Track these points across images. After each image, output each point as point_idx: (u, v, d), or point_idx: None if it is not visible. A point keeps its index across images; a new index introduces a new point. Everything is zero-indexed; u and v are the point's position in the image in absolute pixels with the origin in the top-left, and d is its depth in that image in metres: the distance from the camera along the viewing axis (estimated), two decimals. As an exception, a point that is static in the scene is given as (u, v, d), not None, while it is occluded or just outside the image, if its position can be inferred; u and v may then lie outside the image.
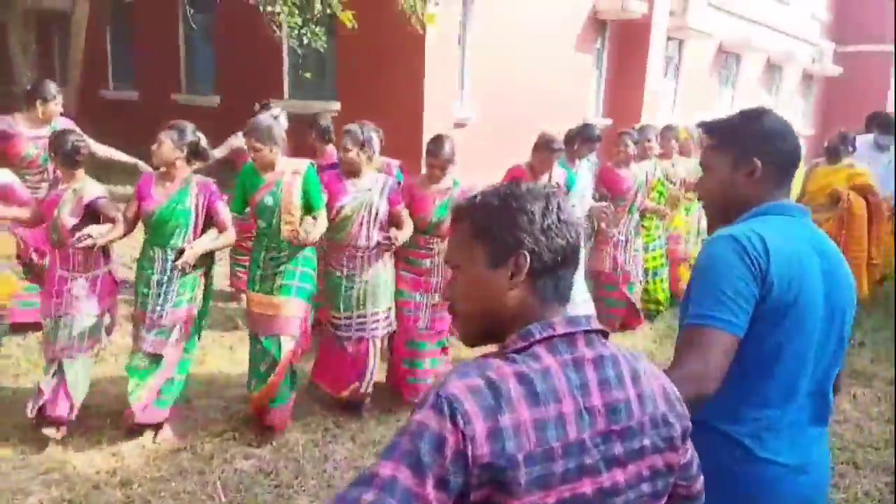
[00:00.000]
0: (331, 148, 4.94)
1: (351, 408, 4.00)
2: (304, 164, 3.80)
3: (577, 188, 5.01)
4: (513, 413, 0.97)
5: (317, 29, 6.72)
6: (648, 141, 5.60)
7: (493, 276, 1.09)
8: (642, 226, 5.72)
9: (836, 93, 20.31)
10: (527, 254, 1.07)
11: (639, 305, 5.62)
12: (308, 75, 8.08)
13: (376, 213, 3.86)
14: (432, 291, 4.11)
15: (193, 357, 3.89)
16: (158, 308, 3.54)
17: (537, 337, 1.05)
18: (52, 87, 4.63)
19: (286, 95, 10.08)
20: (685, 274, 6.56)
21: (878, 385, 4.68)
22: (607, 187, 5.36)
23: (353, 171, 3.90)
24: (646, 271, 5.81)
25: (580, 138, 5.09)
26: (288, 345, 3.64)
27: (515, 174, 4.62)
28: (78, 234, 3.46)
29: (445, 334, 4.20)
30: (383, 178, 4.00)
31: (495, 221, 1.09)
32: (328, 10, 6.55)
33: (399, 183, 4.17)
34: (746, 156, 1.64)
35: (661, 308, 6.03)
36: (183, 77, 11.64)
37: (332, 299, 3.96)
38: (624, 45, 12.61)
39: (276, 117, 4.24)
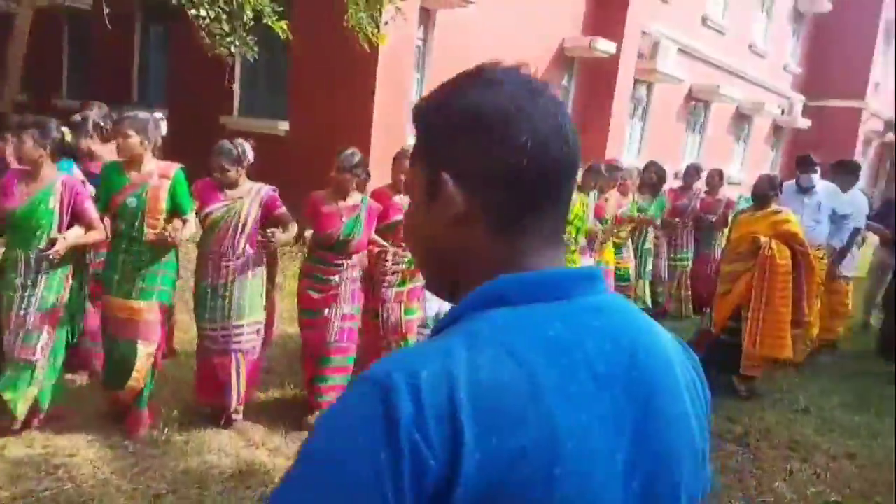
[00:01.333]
0: None
1: (225, 423, 3.73)
2: (173, 167, 3.54)
3: None
4: None
5: (247, 38, 6.15)
6: None
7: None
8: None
9: (805, 145, 20.11)
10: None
11: None
12: (235, 87, 7.54)
13: (245, 222, 3.57)
14: (340, 303, 3.80)
15: (60, 364, 3.53)
16: (22, 312, 3.29)
17: None
18: None
19: (236, 112, 9.51)
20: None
21: (820, 460, 4.10)
22: None
23: (229, 184, 3.64)
24: None
25: None
26: (147, 349, 3.45)
27: (376, 196, 4.15)
28: None
29: (353, 350, 3.95)
30: (258, 187, 3.70)
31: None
32: (263, 19, 6.00)
33: (274, 190, 3.81)
34: (435, 167, 0.76)
35: None
36: (135, 88, 11.05)
37: (198, 310, 3.70)
38: (591, 83, 12.23)
39: (159, 119, 3.78)
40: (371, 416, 0.61)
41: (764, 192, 4.99)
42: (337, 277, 3.79)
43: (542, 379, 0.65)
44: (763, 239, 4.79)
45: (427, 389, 0.61)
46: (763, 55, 17.71)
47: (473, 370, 0.63)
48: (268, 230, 3.58)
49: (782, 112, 18.91)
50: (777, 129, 19.81)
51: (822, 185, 5.89)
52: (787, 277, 4.75)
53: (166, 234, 3.35)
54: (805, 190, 5.75)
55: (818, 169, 5.82)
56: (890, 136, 22.44)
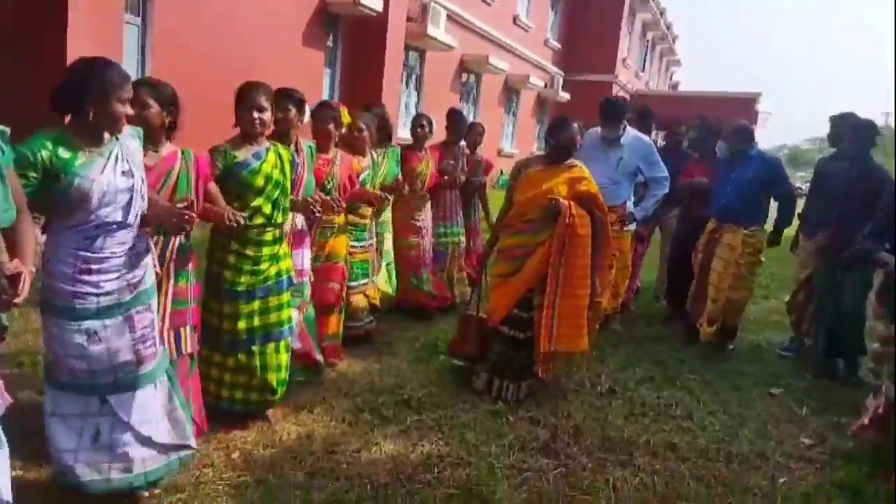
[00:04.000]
0: None
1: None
2: None
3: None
4: None
5: None
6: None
7: None
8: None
9: (566, 118, 20.81)
10: None
11: None
12: None
13: None
14: None
15: None
16: None
17: None
18: None
19: None
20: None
21: (642, 459, 3.22)
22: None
23: None
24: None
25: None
26: None
27: None
28: None
29: None
30: None
31: None
32: None
33: None
34: None
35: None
36: None
37: None
38: (359, 45, 10.93)
39: None
40: None
41: (569, 143, 3.75)
42: None
43: None
44: (563, 202, 3.60)
45: None
46: (526, 29, 17.75)
47: None
48: None
49: (545, 86, 19.26)
50: (541, 101, 20.20)
51: (631, 138, 4.84)
52: (587, 252, 3.65)
53: None
54: (609, 142, 4.76)
55: (626, 123, 4.80)
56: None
